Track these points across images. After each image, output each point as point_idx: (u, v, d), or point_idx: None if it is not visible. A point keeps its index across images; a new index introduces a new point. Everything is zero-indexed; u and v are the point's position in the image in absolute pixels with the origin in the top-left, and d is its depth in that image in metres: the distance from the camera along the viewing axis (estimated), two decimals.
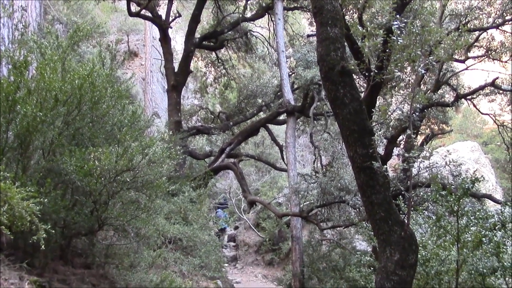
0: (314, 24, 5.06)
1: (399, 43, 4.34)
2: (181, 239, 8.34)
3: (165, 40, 13.66)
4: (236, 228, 21.68)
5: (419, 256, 4.77)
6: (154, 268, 6.59)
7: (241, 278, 16.88)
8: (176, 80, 13.31)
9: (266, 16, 15.76)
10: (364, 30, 4.63)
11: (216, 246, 9.56)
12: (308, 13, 15.31)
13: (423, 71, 4.62)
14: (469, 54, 11.87)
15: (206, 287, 8.33)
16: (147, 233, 6.04)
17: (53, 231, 3.92)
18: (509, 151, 13.01)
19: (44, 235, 3.70)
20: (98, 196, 4.79)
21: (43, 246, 3.71)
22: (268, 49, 17.44)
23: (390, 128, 9.74)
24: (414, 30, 4.29)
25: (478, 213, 5.47)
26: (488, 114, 13.43)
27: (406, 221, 4.42)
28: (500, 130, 13.05)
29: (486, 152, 30.92)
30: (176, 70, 13.59)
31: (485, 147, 32.50)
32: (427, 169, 9.95)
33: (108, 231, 5.81)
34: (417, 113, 4.71)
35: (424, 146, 10.90)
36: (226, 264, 16.05)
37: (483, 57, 11.88)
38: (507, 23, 11.07)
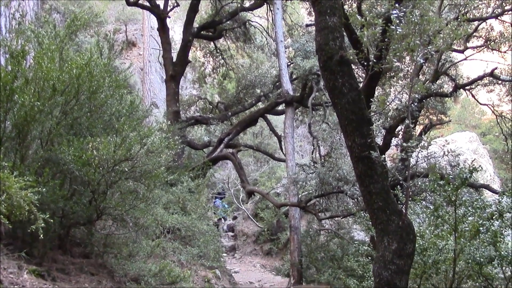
0: (313, 13, 5.05)
1: (398, 32, 4.32)
2: (180, 229, 8.36)
3: (163, 29, 13.61)
4: (234, 218, 21.76)
5: (416, 245, 4.79)
6: (153, 257, 6.62)
7: (240, 267, 16.96)
8: (175, 70, 13.27)
9: (265, 5, 15.70)
10: (363, 20, 4.61)
11: (215, 236, 9.60)
12: (307, 3, 15.23)
13: (421, 61, 4.60)
14: (468, 44, 11.83)
15: (205, 277, 8.37)
16: (146, 223, 6.05)
17: (52, 220, 3.92)
18: (507, 141, 13.02)
19: (43, 224, 3.70)
20: (96, 185, 4.79)
21: (41, 236, 3.72)
22: (266, 39, 17.39)
23: (389, 118, 9.75)
24: (413, 19, 4.26)
25: (475, 203, 5.49)
26: (487, 105, 13.41)
27: (404, 211, 4.44)
28: (498, 120, 13.05)
29: (484, 142, 30.97)
30: (174, 60, 13.56)
31: (483, 137, 32.52)
32: (425, 158, 9.98)
33: (106, 220, 5.82)
34: (415, 103, 4.70)
35: (423, 136, 10.90)
36: (224, 254, 16.10)
37: (482, 47, 11.85)
38: (506, 13, 11.02)
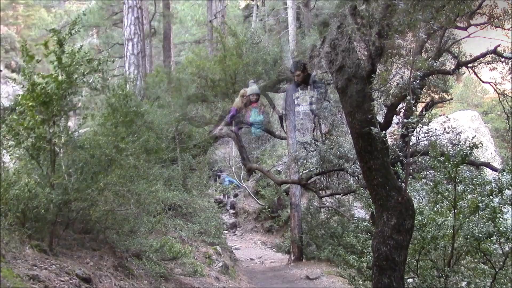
0: None
1: (400, 7, 4.27)
2: (181, 206, 8.42)
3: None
4: (235, 195, 21.86)
5: (415, 221, 4.81)
6: (154, 233, 6.67)
7: (241, 244, 17.11)
8: None
9: None
10: None
11: (216, 213, 9.67)
12: None
13: (424, 36, 4.56)
14: (472, 21, 11.70)
15: (206, 253, 8.45)
16: (147, 200, 6.08)
17: (53, 195, 3.94)
18: (509, 120, 12.97)
19: (45, 199, 3.73)
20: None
21: (43, 211, 3.75)
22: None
23: (390, 96, 9.71)
24: None
25: (475, 179, 5.50)
26: (489, 83, 13.30)
27: (403, 187, 4.45)
28: (500, 99, 12.96)
29: (486, 121, 30.94)
30: None
31: (485, 116, 32.50)
32: (425, 135, 9.97)
33: (108, 197, 5.84)
34: (417, 81, 4.67)
35: (424, 113, 10.88)
36: (225, 231, 16.25)
37: (486, 25, 11.71)
38: None
